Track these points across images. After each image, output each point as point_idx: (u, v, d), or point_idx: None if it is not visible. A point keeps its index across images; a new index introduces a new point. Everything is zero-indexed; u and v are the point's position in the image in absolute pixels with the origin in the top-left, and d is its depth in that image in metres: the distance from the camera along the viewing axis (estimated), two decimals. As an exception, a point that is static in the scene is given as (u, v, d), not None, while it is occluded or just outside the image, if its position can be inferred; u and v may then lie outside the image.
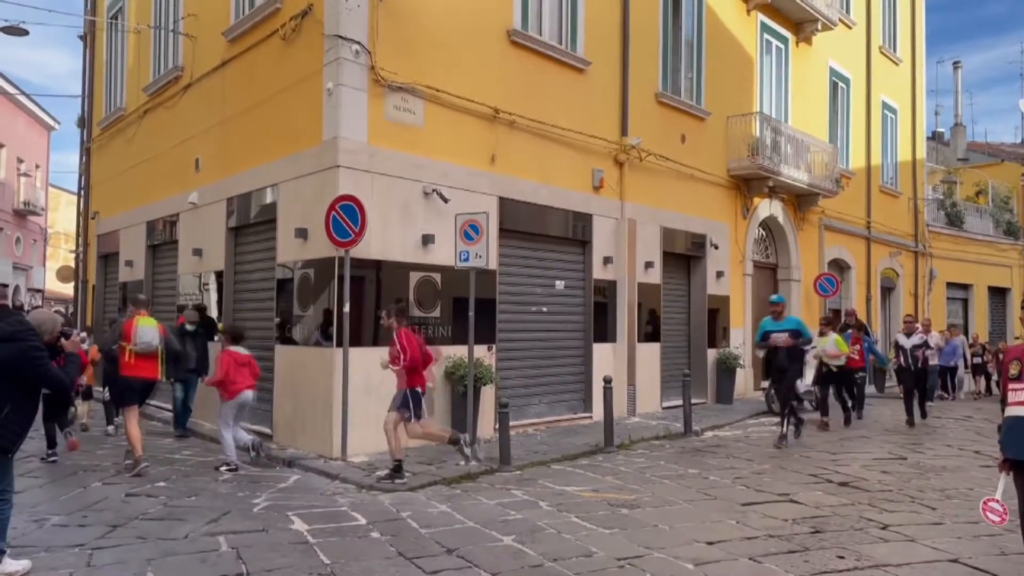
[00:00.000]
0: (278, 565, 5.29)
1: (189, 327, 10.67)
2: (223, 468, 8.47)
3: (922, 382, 13.56)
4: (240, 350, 8.69)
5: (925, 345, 13.52)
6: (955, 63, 35.10)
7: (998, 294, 27.65)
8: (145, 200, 14.47)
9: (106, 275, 17.16)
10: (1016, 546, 5.89)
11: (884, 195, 22.05)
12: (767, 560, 5.51)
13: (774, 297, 11.64)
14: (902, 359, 13.48)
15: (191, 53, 12.61)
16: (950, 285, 25.41)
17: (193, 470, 8.57)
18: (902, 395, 13.82)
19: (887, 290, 22.63)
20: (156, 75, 14.17)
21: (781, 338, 10.77)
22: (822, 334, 12.80)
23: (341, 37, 9.18)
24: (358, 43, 9.32)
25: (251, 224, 11.15)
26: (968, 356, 19.85)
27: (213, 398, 9.90)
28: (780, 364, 10.90)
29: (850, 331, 13.93)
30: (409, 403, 7.94)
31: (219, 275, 11.71)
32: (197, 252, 12.19)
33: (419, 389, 8.04)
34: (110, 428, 11.11)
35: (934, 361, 16.07)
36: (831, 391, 12.99)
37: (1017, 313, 27.97)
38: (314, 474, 8.41)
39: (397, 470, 7.93)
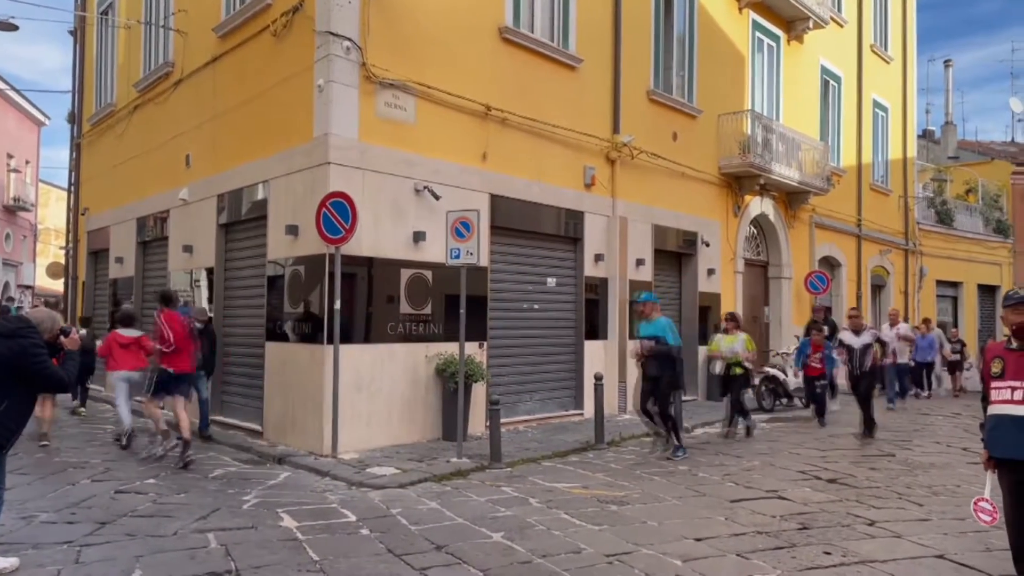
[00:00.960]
0: (267, 562, 5.30)
1: (198, 324, 10.14)
2: (120, 439, 9.53)
3: (866, 387, 11.59)
4: (128, 332, 9.51)
5: (875, 344, 12.33)
6: (946, 61, 35.27)
7: (988, 292, 27.77)
8: (135, 196, 14.42)
9: (96, 272, 17.09)
10: (1001, 542, 5.94)
11: (875, 193, 22.13)
12: (755, 556, 5.55)
13: (640, 295, 10.20)
14: (850, 361, 11.88)
15: (182, 49, 12.57)
16: (940, 283, 25.51)
17: (182, 467, 8.54)
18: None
19: (877, 288, 22.71)
20: (147, 71, 14.12)
21: (646, 345, 9.51)
22: (727, 331, 11.39)
23: (332, 33, 9.16)
24: (349, 39, 9.30)
25: (242, 221, 11.13)
26: (947, 351, 19.30)
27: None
28: (651, 373, 9.55)
29: (809, 338, 13.15)
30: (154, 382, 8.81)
31: (210, 272, 11.69)
32: (188, 249, 12.16)
33: (171, 371, 8.83)
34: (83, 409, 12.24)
35: (904, 359, 16.05)
36: (732, 397, 11.31)
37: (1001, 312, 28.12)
38: (304, 471, 8.41)
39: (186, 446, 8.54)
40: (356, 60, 9.39)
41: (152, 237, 13.90)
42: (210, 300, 11.67)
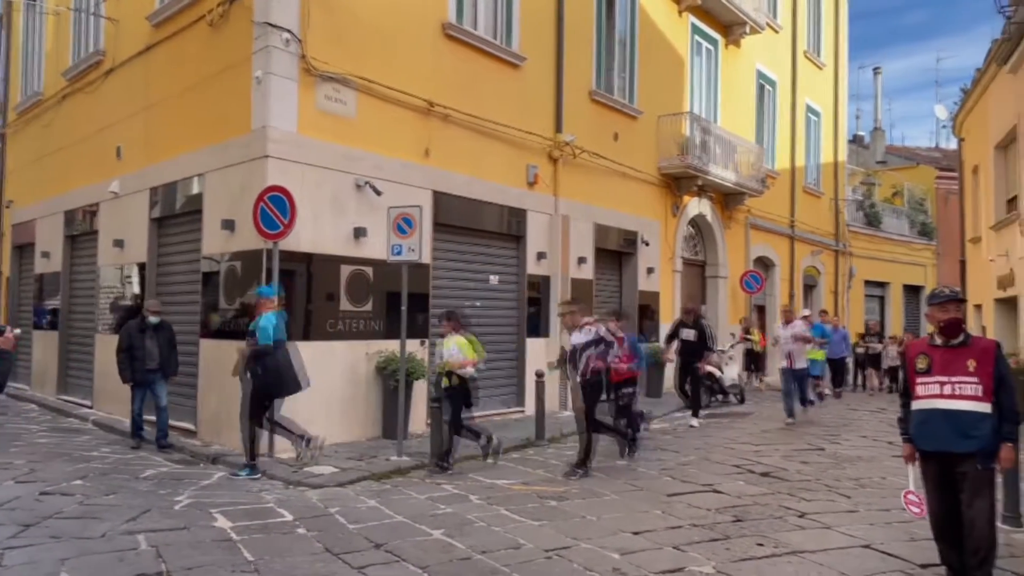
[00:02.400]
0: (199, 563, 5.17)
1: (152, 319, 9.37)
2: None
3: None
4: None
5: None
6: (875, 69, 36.42)
7: (912, 292, 28.85)
8: (63, 188, 13.90)
9: (21, 267, 16.43)
10: (924, 532, 6.17)
11: (807, 195, 22.76)
12: (691, 549, 5.65)
13: (260, 290, 8.45)
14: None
15: (113, 37, 12.17)
16: (868, 283, 26.38)
17: (112, 468, 8.29)
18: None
19: (809, 287, 23.37)
20: (76, 59, 13.63)
21: (241, 348, 8.31)
22: (442, 334, 8.98)
23: (271, 25, 8.99)
24: (288, 31, 9.14)
25: (175, 215, 10.84)
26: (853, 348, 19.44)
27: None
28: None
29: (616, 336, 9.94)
30: None
31: (142, 267, 11.35)
32: (118, 243, 11.78)
33: None
34: None
35: (802, 363, 12.81)
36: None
37: (972, 313, 29.25)
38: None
39: None
40: (295, 52, 9.24)
41: (80, 231, 13.43)
42: (141, 296, 11.33)
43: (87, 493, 7.09)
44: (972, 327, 18.63)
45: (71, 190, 13.56)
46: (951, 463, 4.62)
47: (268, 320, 7.93)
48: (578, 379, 8.44)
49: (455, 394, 8.44)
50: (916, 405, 4.78)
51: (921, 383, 4.74)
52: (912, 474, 4.89)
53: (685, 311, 13.28)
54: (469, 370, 8.44)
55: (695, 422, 12.20)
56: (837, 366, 17.68)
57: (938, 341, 4.75)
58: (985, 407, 4.53)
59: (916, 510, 4.75)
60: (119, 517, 6.24)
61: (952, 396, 4.59)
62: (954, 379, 4.60)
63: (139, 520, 6.18)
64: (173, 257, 11.00)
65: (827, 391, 16.44)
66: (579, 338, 8.53)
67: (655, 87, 15.86)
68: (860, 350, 19.83)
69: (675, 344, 12.64)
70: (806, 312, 15.80)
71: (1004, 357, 4.71)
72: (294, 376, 8.14)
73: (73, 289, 13.71)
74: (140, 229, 11.35)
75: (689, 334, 12.31)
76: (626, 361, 9.45)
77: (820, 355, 15.27)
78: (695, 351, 12.33)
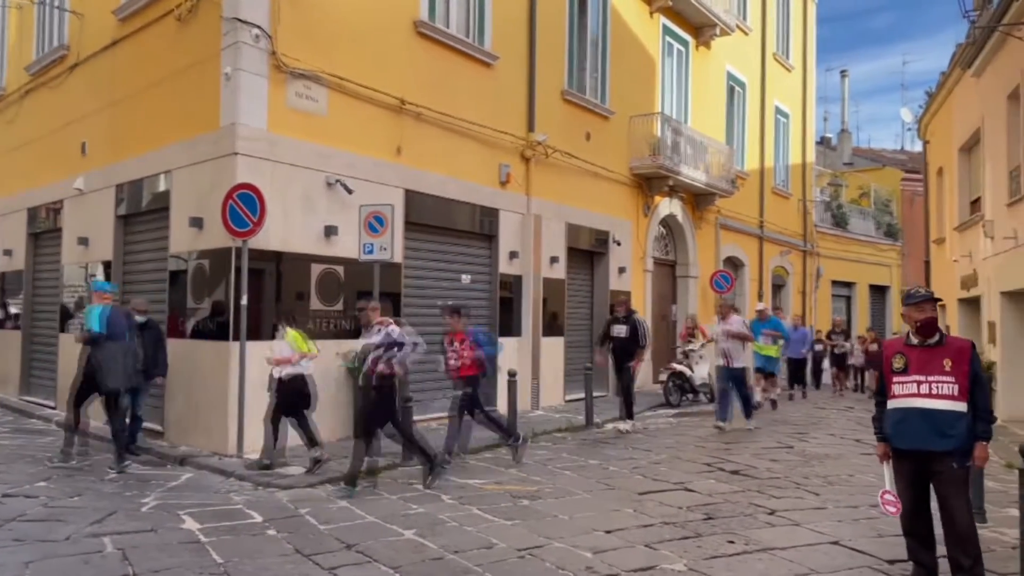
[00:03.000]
0: (167, 565, 5.09)
1: (138, 318, 8.87)
2: None
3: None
4: None
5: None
6: (842, 72, 36.99)
7: (878, 292, 29.32)
8: (26, 185, 13.61)
9: (-19, 264, 16.06)
10: (891, 528, 6.27)
11: (776, 196, 23.01)
12: (662, 547, 5.68)
13: (95, 283, 8.58)
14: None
15: (78, 32, 11.94)
16: (835, 283, 26.73)
17: (77, 469, 8.14)
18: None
19: (778, 287, 23.62)
20: (40, 53, 13.35)
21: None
22: (275, 329, 8.68)
23: (240, 20, 8.88)
24: (258, 27, 9.03)
25: (142, 212, 10.66)
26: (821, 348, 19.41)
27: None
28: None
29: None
30: None
31: (107, 265, 11.15)
32: (83, 241, 11.57)
33: None
34: None
35: (740, 362, 11.76)
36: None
37: (898, 310, 29.78)
38: (208, 472, 8.13)
39: None
40: (266, 48, 9.14)
41: (44, 228, 13.16)
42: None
43: (51, 495, 6.95)
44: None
45: (35, 187, 13.29)
46: (927, 461, 4.66)
47: (92, 311, 8.20)
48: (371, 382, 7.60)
49: (285, 391, 8.03)
50: (893, 404, 4.80)
51: (898, 382, 4.77)
52: (888, 473, 4.90)
53: (616, 304, 12.19)
54: (298, 368, 8.02)
55: (626, 426, 11.34)
56: (797, 365, 17.23)
57: (914, 341, 4.78)
58: (961, 406, 4.57)
59: (892, 509, 4.77)
60: (84, 519, 6.12)
61: (929, 395, 4.63)
62: (931, 378, 4.64)
63: (105, 522, 6.08)
64: (140, 255, 10.82)
65: (774, 395, 14.80)
66: (369, 339, 7.76)
67: (627, 87, 15.93)
68: (819, 347, 19.58)
69: (608, 344, 11.65)
70: (760, 307, 15.45)
71: (978, 357, 4.76)
72: (118, 372, 8.18)
73: (36, 288, 13.44)
74: (105, 227, 11.15)
75: (620, 330, 11.41)
76: (468, 358, 8.80)
77: (774, 351, 14.48)
78: (627, 349, 11.37)
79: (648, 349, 12.06)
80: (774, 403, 14.63)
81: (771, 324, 14.36)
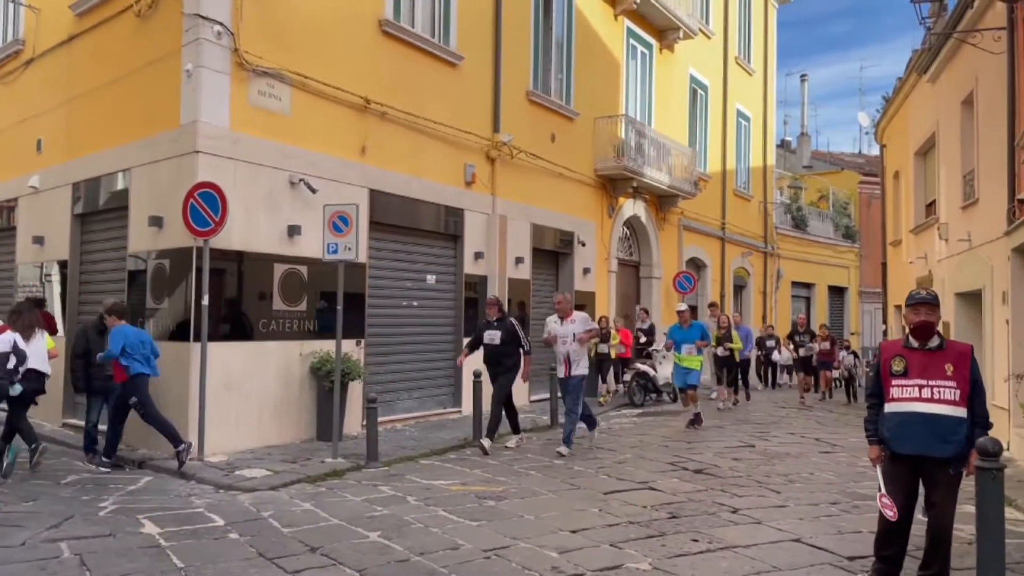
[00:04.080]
0: (126, 570, 4.99)
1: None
2: None
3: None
4: None
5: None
6: (802, 76, 37.68)
7: (837, 293, 29.85)
8: (-23, 182, 13.26)
9: (-70, 264, 15.60)
10: (851, 526, 6.40)
11: (737, 198, 23.30)
12: (627, 546, 5.72)
13: None
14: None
15: (34, 26, 11.65)
16: (795, 284, 27.16)
17: (31, 474, 7.93)
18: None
19: (739, 288, 23.93)
20: (-8, 47, 13.01)
21: None
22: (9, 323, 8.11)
23: (202, 17, 8.75)
24: (220, 24, 8.91)
25: (100, 211, 10.45)
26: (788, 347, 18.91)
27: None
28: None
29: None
30: None
31: (63, 265, 10.91)
32: (38, 240, 11.29)
33: None
34: None
35: (580, 371, 9.72)
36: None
37: (856, 310, 30.33)
38: (167, 475, 7.99)
39: None
40: (228, 46, 9.01)
41: (-3, 227, 12.83)
42: (63, 296, 10.90)
43: (5, 500, 6.77)
44: (892, 327, 19.39)
45: (-14, 184, 12.95)
46: (923, 466, 4.61)
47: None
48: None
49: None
50: (891, 408, 4.69)
51: (898, 385, 4.67)
52: (882, 475, 4.76)
53: (488, 305, 10.35)
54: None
55: (513, 442, 10.02)
56: (741, 367, 15.95)
57: (914, 344, 4.70)
58: (962, 412, 4.51)
59: (890, 513, 4.61)
60: (40, 524, 5.98)
61: (931, 400, 4.54)
62: (932, 383, 4.56)
63: (62, 527, 5.94)
64: (97, 255, 10.60)
65: (696, 409, 12.19)
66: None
67: (591, 89, 16.01)
68: (769, 350, 19.61)
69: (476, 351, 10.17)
70: (681, 307, 13.58)
71: (977, 362, 4.70)
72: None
73: (-12, 287, 13.10)
74: (62, 225, 10.91)
75: (494, 336, 9.83)
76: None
77: (697, 363, 12.37)
78: (500, 358, 9.84)
79: (531, 355, 10.26)
80: (697, 418, 12.09)
81: (695, 330, 12.37)
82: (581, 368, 9.73)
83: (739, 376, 16.11)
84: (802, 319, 18.56)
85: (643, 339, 16.05)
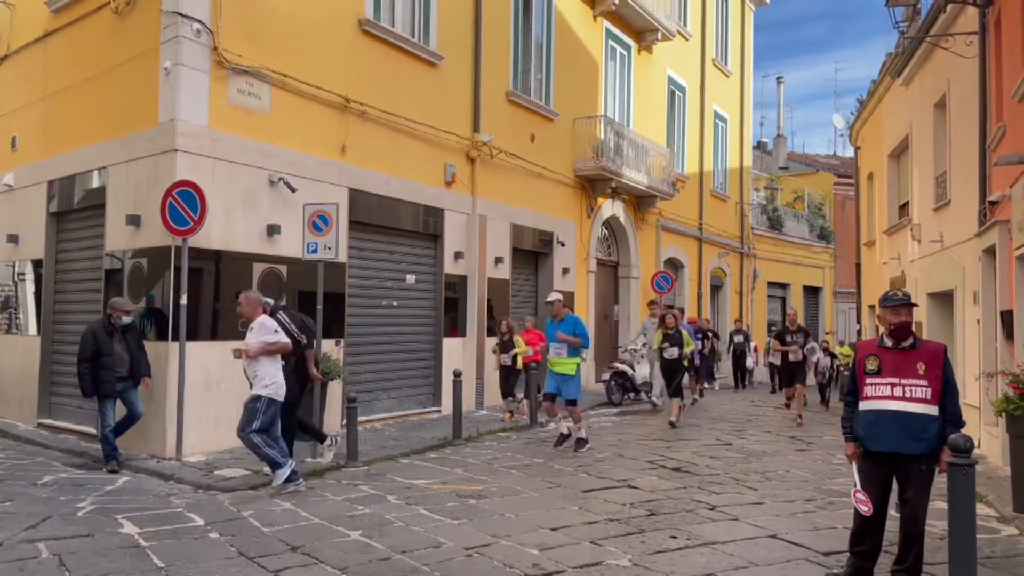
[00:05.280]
0: (106, 570, 4.97)
1: (126, 319, 8.34)
2: None
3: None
4: None
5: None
6: (778, 78, 38.11)
7: (812, 293, 30.18)
8: (-51, 180, 13.05)
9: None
10: (826, 522, 6.51)
11: (714, 199, 23.51)
12: (607, 543, 5.77)
13: None
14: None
15: (8, 22, 11.51)
16: (771, 284, 27.44)
17: (7, 474, 7.86)
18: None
19: (716, 288, 24.13)
20: (-36, 42, 12.82)
21: None
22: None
23: (181, 14, 8.69)
24: (199, 22, 8.85)
25: (76, 209, 10.34)
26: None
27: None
28: None
29: None
30: None
31: (37, 264, 10.80)
32: (12, 239, 11.16)
33: None
34: None
35: (260, 389, 7.32)
36: None
37: (831, 310, 30.68)
38: (145, 475, 7.95)
39: None
40: (207, 44, 8.96)
41: (-31, 225, 12.64)
42: (37, 295, 10.78)
43: (-20, 502, 6.71)
44: (866, 326, 19.65)
45: (-42, 181, 12.75)
46: (896, 463, 4.71)
47: None
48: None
49: None
50: (865, 405, 4.79)
51: (871, 384, 4.77)
52: (857, 472, 4.86)
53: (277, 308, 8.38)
54: None
55: (328, 454, 8.61)
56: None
57: (888, 343, 4.80)
58: (933, 410, 4.61)
59: (865, 508, 4.70)
60: (17, 525, 5.93)
61: (903, 398, 4.64)
62: (905, 381, 4.65)
63: (39, 528, 5.89)
64: (73, 253, 10.50)
65: (566, 428, 10.15)
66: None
67: (571, 90, 16.09)
68: (739, 345, 19.61)
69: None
70: (552, 297, 10.36)
71: (950, 361, 4.79)
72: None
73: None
74: (37, 224, 10.79)
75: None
76: None
77: (571, 366, 9.91)
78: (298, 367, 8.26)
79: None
80: (564, 439, 9.99)
81: (568, 324, 10.05)
82: (260, 387, 7.30)
83: (696, 374, 15.33)
84: (792, 315, 15.03)
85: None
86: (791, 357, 13.76)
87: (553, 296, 10.39)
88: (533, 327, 12.91)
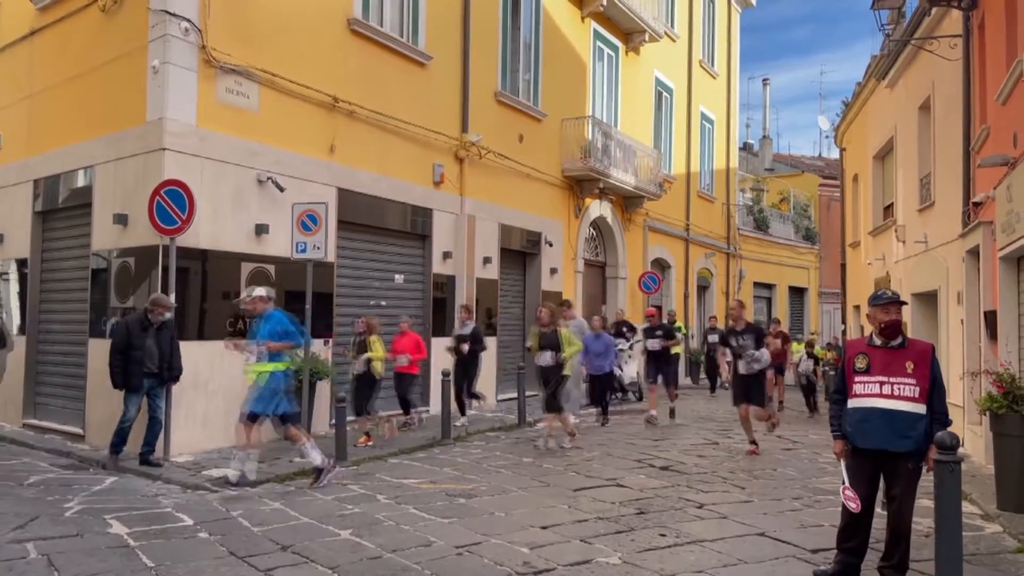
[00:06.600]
0: (96, 570, 4.95)
1: (168, 315, 8.25)
2: None
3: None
4: None
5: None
6: (764, 80, 38.19)
7: (797, 293, 30.38)
8: (-68, 178, 12.93)
9: None
10: (813, 519, 6.57)
11: (701, 200, 23.61)
12: (597, 541, 5.80)
13: None
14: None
15: (-9, 18, 11.43)
16: (757, 285, 27.57)
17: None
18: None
19: (703, 288, 24.23)
20: (-53, 39, 12.70)
21: None
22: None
23: (168, 12, 8.66)
24: (188, 20, 8.82)
25: (62, 208, 10.28)
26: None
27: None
28: None
29: None
30: None
31: (22, 263, 10.72)
32: (-3, 237, 11.09)
33: None
34: None
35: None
36: None
37: (816, 311, 30.89)
38: (133, 475, 7.91)
39: None
40: (195, 42, 8.93)
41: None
42: (22, 295, 10.70)
43: (-35, 502, 6.65)
44: (851, 327, 19.81)
45: (-58, 180, 12.63)
46: (884, 460, 4.75)
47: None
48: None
49: None
50: (854, 403, 4.83)
51: (860, 382, 4.81)
52: (845, 470, 4.89)
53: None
54: None
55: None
56: (601, 383, 12.63)
57: (877, 342, 4.84)
58: (921, 408, 4.65)
59: (853, 505, 4.74)
60: (5, 525, 5.88)
61: (891, 396, 4.68)
62: (893, 379, 4.70)
63: (27, 528, 5.86)
64: (59, 253, 10.43)
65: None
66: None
67: (559, 91, 16.12)
68: (712, 345, 16.35)
69: None
70: (254, 293, 7.80)
71: (937, 360, 4.84)
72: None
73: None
74: (22, 222, 10.71)
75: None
76: None
77: (263, 372, 7.56)
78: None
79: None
80: (319, 475, 7.61)
81: (266, 322, 7.66)
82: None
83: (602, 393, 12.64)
84: (737, 308, 10.62)
85: (465, 348, 11.35)
86: (741, 370, 9.82)
87: (254, 292, 7.79)
88: (410, 329, 10.61)
